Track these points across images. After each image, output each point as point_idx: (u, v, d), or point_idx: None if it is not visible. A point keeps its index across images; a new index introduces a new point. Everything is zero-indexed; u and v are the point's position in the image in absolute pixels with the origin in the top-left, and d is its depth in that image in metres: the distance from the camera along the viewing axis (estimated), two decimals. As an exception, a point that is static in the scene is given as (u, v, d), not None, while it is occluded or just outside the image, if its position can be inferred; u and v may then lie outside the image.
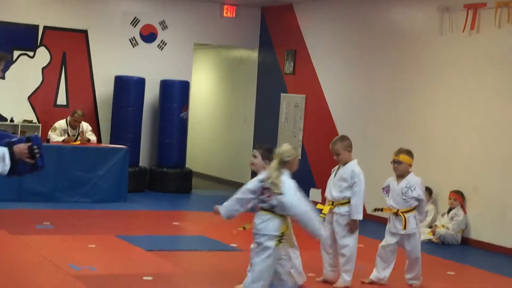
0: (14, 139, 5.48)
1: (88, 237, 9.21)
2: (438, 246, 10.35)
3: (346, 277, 7.39)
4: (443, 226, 10.69)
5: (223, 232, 10.18)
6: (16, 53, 13.44)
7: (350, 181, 7.31)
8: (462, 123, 10.90)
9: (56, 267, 7.43)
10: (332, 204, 7.42)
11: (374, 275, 7.67)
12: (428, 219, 10.94)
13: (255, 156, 6.48)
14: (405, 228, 7.49)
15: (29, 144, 5.40)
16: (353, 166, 7.38)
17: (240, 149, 15.90)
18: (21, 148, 5.33)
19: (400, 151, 7.59)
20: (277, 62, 14.79)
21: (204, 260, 8.46)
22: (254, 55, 15.70)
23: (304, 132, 13.87)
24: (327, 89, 13.55)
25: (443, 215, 10.84)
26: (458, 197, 10.71)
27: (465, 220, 10.65)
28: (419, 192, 7.51)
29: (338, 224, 7.37)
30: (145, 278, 7.20)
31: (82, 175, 11.93)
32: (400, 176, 7.58)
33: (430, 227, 10.89)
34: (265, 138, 15.04)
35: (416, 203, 7.54)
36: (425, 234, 10.64)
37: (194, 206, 13.21)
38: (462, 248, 10.43)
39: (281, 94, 14.61)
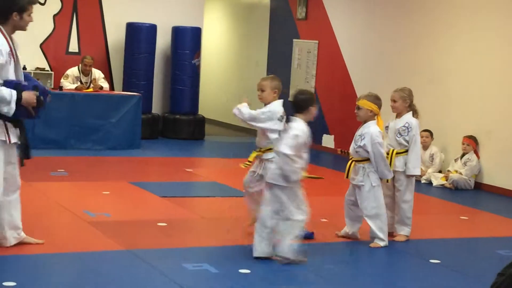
0: (24, 83, 5.55)
1: (102, 183, 9.26)
2: (451, 191, 10.36)
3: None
4: (456, 171, 10.68)
5: (236, 178, 10.21)
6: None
7: None
8: (476, 68, 10.81)
9: (71, 213, 7.49)
10: (260, 150, 6.95)
11: (343, 229, 7.06)
12: (436, 160, 10.94)
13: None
14: (347, 176, 6.81)
15: (37, 94, 5.49)
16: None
17: (253, 95, 15.82)
18: (30, 96, 5.47)
19: (362, 96, 6.85)
20: (289, 7, 14.65)
21: (217, 205, 8.51)
22: (265, 0, 15.55)
23: (317, 78, 13.80)
24: (340, 35, 13.44)
25: (456, 160, 10.83)
26: (471, 142, 10.68)
27: (478, 165, 10.64)
28: (365, 142, 6.68)
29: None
30: (159, 224, 7.26)
31: (95, 122, 11.96)
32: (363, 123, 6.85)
33: (441, 171, 10.90)
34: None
35: (366, 154, 6.72)
36: (438, 179, 10.66)
37: (206, 153, 13.25)
38: (475, 193, 10.44)
39: (293, 40, 14.51)
